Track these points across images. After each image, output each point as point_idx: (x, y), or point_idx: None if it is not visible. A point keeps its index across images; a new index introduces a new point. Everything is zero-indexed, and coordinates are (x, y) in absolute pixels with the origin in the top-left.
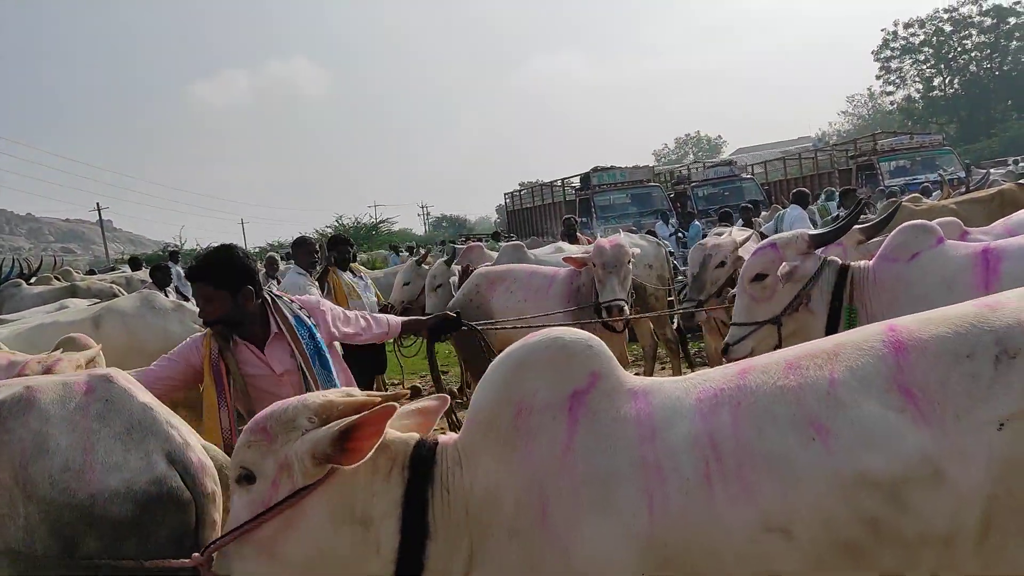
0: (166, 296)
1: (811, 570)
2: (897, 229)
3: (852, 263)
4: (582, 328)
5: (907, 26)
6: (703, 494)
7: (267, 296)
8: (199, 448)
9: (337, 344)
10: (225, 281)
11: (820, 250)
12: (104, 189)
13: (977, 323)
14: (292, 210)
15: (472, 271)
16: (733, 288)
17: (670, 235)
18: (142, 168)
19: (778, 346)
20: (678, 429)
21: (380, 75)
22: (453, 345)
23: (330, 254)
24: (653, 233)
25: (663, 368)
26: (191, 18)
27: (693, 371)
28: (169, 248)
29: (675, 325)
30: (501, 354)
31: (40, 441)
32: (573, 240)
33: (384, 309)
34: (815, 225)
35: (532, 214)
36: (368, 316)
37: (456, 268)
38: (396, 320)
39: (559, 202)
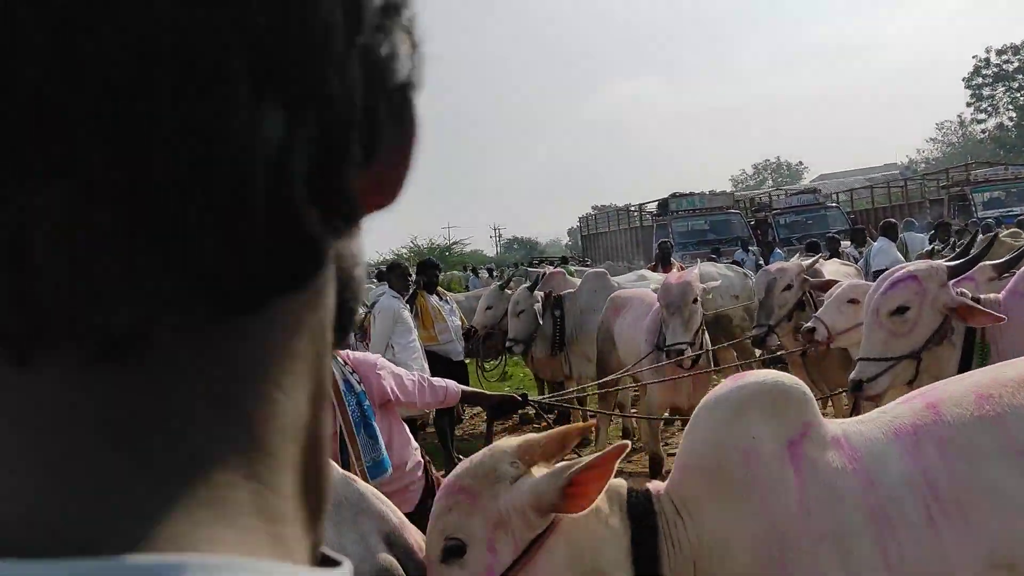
0: None
1: None
2: None
3: (983, 296)
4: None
5: (1000, 52)
6: (930, 537)
7: None
8: (412, 527)
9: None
10: None
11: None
12: None
13: None
14: (368, 231)
15: (554, 297)
16: (801, 312)
17: (753, 264)
18: None
19: (913, 381)
20: (892, 472)
21: (454, 95)
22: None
23: (419, 278)
24: (738, 263)
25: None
26: None
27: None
28: None
29: (760, 356)
30: (713, 395)
31: None
32: (667, 266)
33: (468, 332)
34: (906, 259)
35: (607, 238)
36: (426, 381)
37: (539, 294)
38: (456, 389)
39: (635, 227)
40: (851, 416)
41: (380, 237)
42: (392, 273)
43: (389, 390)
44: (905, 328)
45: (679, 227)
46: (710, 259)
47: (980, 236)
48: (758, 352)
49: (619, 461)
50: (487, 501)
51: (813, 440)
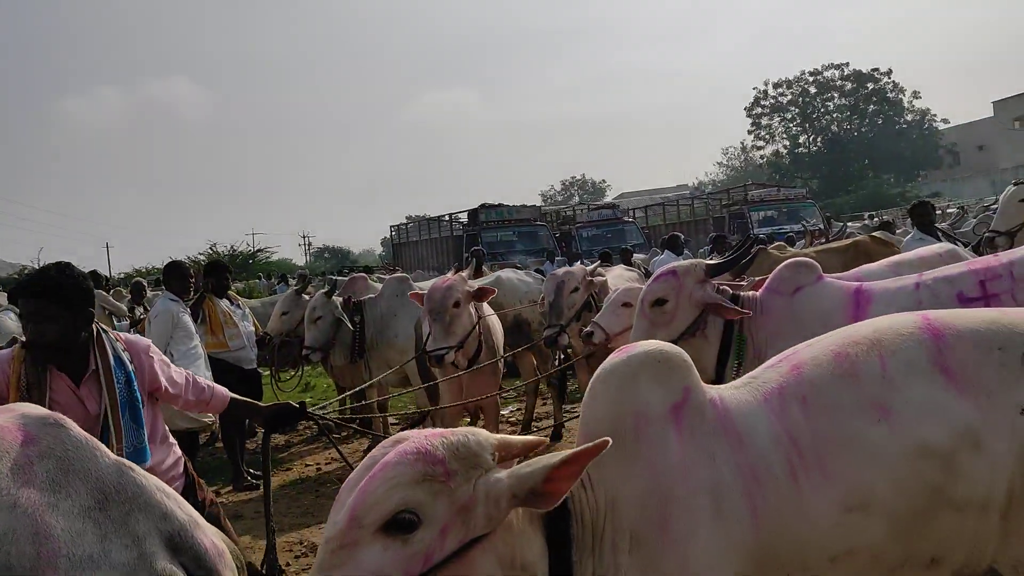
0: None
1: (886, 542)
2: (783, 264)
3: (741, 294)
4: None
5: (776, 86)
6: (792, 490)
7: (95, 328)
8: (209, 526)
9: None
10: (67, 301)
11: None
12: None
13: (1007, 325)
14: (162, 235)
15: (354, 302)
16: (588, 312)
17: None
18: None
19: None
20: (760, 432)
21: (262, 100)
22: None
23: (207, 280)
24: (541, 272)
25: (544, 403)
26: (63, 30)
27: (570, 407)
28: (27, 271)
29: (556, 360)
30: (605, 366)
31: None
32: (478, 273)
33: (261, 339)
34: None
35: (418, 248)
36: (192, 378)
37: (337, 300)
38: (223, 394)
39: (446, 237)
40: None
41: (173, 241)
42: (172, 274)
43: (160, 376)
44: (664, 319)
45: (488, 237)
46: (515, 268)
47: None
48: (551, 351)
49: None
50: (460, 484)
51: (692, 404)
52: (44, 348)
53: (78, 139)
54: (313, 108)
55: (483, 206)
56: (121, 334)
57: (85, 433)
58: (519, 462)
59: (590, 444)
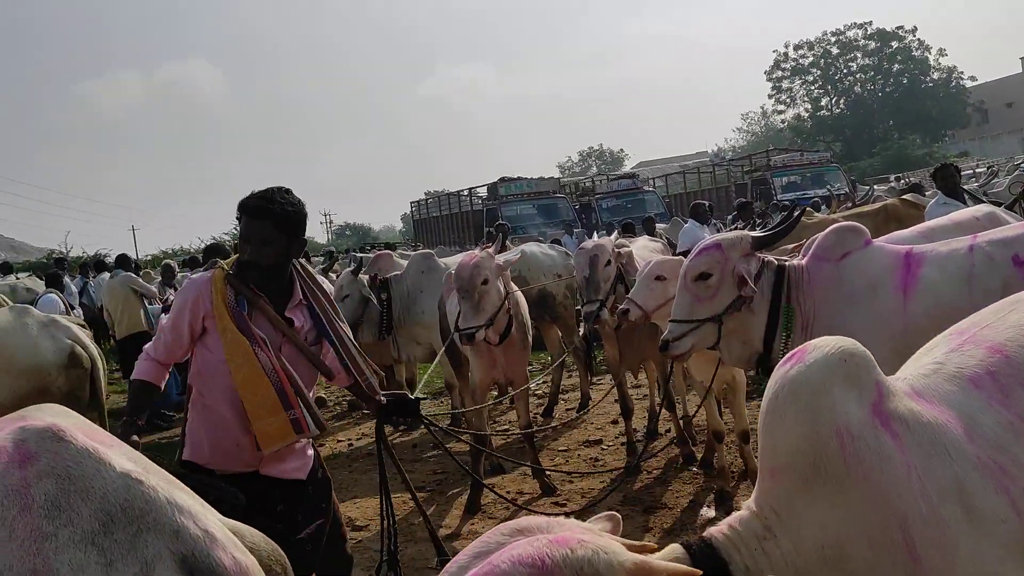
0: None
1: None
2: (828, 230)
3: (787, 263)
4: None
5: (797, 48)
6: None
7: (296, 263)
8: (229, 539)
9: None
10: (288, 226)
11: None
12: None
13: None
14: (186, 217)
15: (381, 280)
16: (620, 285)
17: (575, 246)
18: (24, 170)
19: (716, 345)
20: (986, 421)
21: (282, 79)
22: None
23: (207, 261)
24: (558, 241)
25: (570, 376)
26: (82, 14)
27: (592, 379)
28: (55, 255)
29: (582, 333)
30: (785, 383)
31: None
32: (503, 248)
33: None
34: None
35: (439, 223)
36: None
37: (364, 277)
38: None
39: (466, 212)
40: (660, 381)
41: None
42: (214, 256)
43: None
44: (708, 293)
45: (508, 211)
46: (536, 242)
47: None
48: (582, 328)
49: None
50: None
51: (892, 398)
52: (261, 270)
53: (101, 123)
54: (330, 87)
55: (502, 180)
56: (321, 278)
57: (90, 441)
58: None
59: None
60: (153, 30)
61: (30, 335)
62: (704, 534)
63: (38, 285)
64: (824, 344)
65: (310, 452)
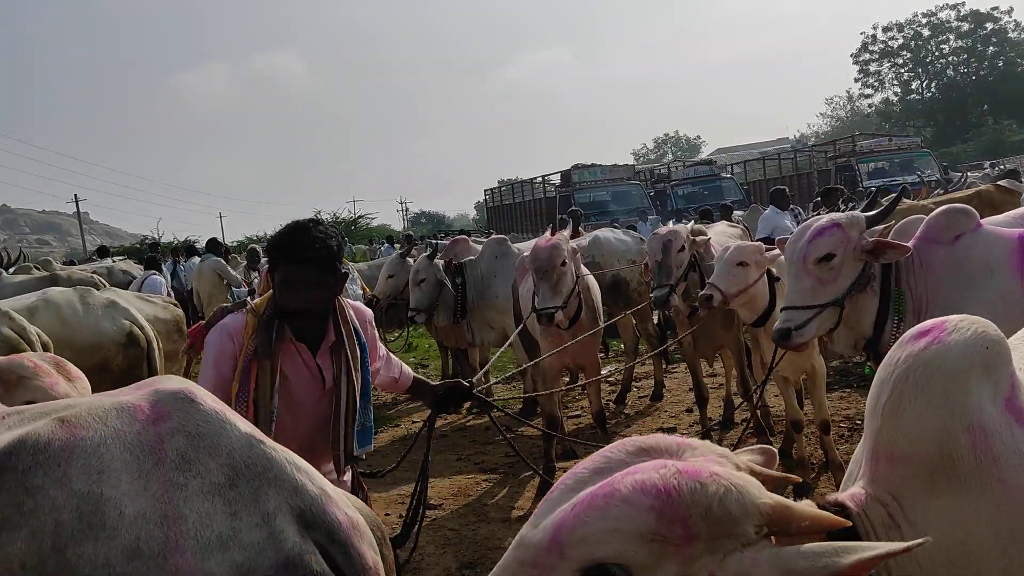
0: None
1: None
2: (938, 211)
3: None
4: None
5: (886, 30)
6: None
7: None
8: (342, 498)
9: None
10: (333, 262)
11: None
12: (81, 180)
13: None
14: (270, 204)
15: (456, 264)
16: (692, 272)
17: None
18: (120, 159)
19: (834, 329)
20: None
21: (363, 69)
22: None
23: None
24: (632, 228)
25: (643, 364)
26: (175, 7)
27: (669, 367)
28: (148, 241)
29: (656, 320)
30: (913, 365)
31: (89, 510)
32: (575, 233)
33: (369, 302)
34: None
35: (512, 211)
36: (389, 355)
37: (439, 262)
38: (409, 373)
39: (539, 199)
40: (736, 369)
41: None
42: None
43: (377, 349)
44: (831, 275)
45: (581, 198)
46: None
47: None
48: (656, 313)
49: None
50: (701, 552)
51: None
52: (314, 317)
53: (191, 113)
54: (408, 78)
55: (576, 167)
56: (348, 301)
57: (218, 404)
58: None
59: (900, 545)
60: (243, 21)
61: (92, 314)
62: (836, 499)
63: (133, 268)
64: (964, 326)
65: (347, 478)
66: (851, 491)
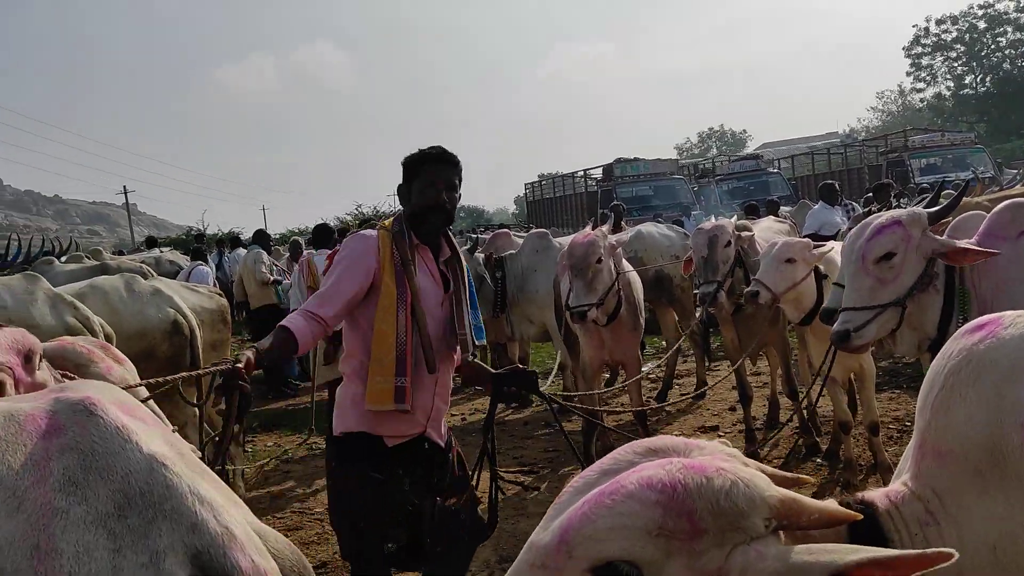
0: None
1: None
2: (1002, 206)
3: (958, 242)
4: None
5: (939, 22)
6: None
7: None
8: (251, 540)
9: None
10: (461, 176)
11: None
12: (130, 172)
13: None
14: (313, 196)
15: (496, 258)
16: (738, 268)
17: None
18: (168, 152)
19: (896, 330)
20: None
21: (404, 64)
22: None
23: (338, 243)
24: (680, 224)
25: (685, 361)
26: (222, 1)
27: (710, 365)
28: (194, 232)
29: (699, 317)
30: (967, 358)
31: None
32: (617, 228)
33: None
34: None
35: (552, 205)
36: None
37: (480, 256)
38: (467, 355)
39: (580, 193)
40: (781, 367)
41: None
42: (316, 235)
43: None
44: (892, 275)
45: (623, 192)
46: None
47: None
48: (698, 310)
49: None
50: (708, 546)
51: None
52: (445, 213)
53: (235, 106)
54: (450, 70)
55: (618, 161)
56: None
57: (121, 421)
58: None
59: (927, 553)
60: (289, 15)
61: (138, 302)
62: (863, 496)
63: (179, 259)
64: (1021, 321)
65: (445, 422)
66: (891, 487)
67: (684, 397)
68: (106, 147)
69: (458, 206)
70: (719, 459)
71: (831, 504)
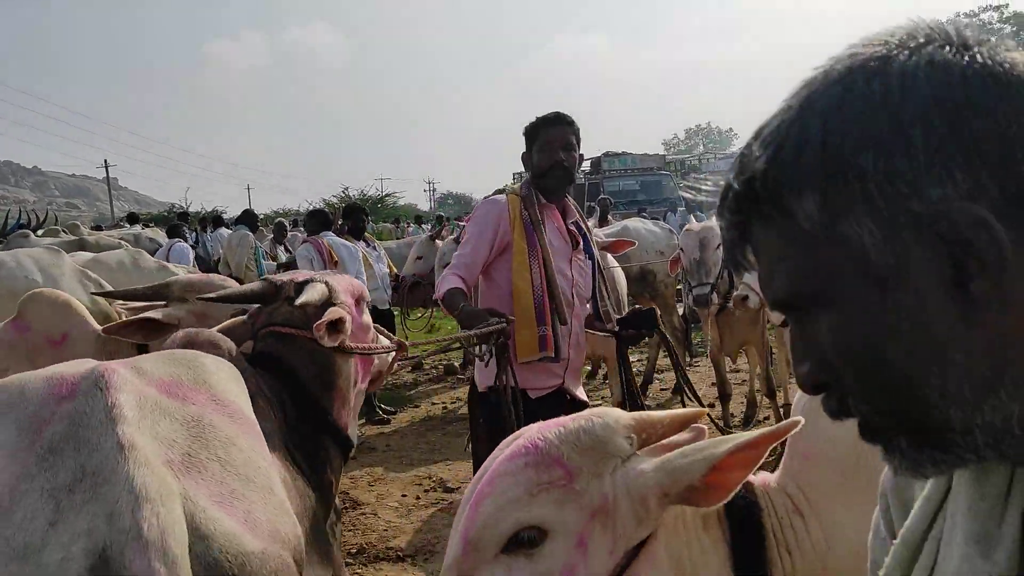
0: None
1: None
2: None
3: None
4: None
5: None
6: None
7: None
8: (163, 543)
9: None
10: (578, 137)
11: None
12: (112, 146)
13: None
14: (298, 178)
15: None
16: (726, 271)
17: (677, 225)
18: (152, 127)
19: None
20: None
21: (397, 47)
22: None
23: (345, 222)
24: (664, 220)
25: (665, 356)
26: None
27: (692, 361)
28: (176, 209)
29: (682, 313)
30: None
31: None
32: (603, 222)
33: (396, 280)
34: None
35: None
36: None
37: None
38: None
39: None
40: (760, 367)
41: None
42: (318, 218)
43: None
44: None
45: (610, 186)
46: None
47: None
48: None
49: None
50: (588, 482)
51: None
52: (565, 171)
53: (223, 84)
54: (443, 56)
55: (606, 154)
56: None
57: (117, 397)
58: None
59: (775, 427)
60: None
61: (144, 278)
62: (750, 479)
63: (160, 236)
64: None
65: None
66: (760, 476)
67: (663, 391)
68: (89, 119)
69: (446, 193)
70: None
71: (676, 411)
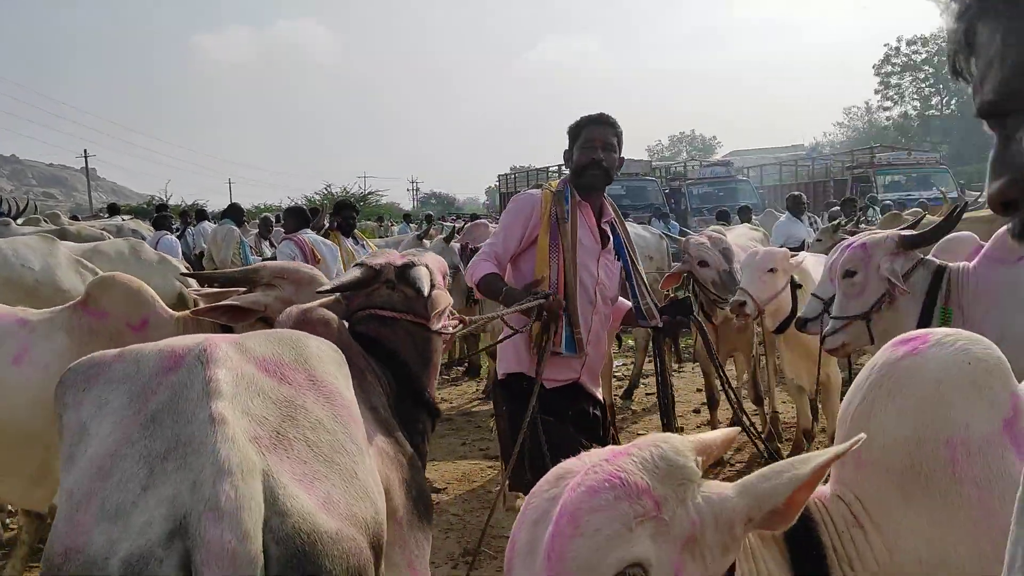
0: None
1: None
2: (1004, 229)
3: (951, 264)
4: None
5: (910, 43)
6: None
7: None
8: (241, 517)
9: None
10: (621, 140)
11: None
12: (92, 136)
13: None
14: (280, 175)
15: (472, 248)
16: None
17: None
18: (133, 118)
19: (872, 342)
20: None
21: (384, 45)
22: None
23: (334, 219)
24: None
25: (650, 360)
26: None
27: (681, 365)
28: (156, 201)
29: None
30: (890, 373)
31: (74, 440)
32: None
33: None
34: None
35: None
36: None
37: (456, 246)
38: (626, 303)
39: None
40: (747, 373)
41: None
42: (291, 217)
43: None
44: (855, 291)
45: None
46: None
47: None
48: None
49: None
50: (674, 511)
51: None
52: (603, 171)
53: (207, 77)
54: (431, 56)
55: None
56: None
57: (214, 372)
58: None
59: (843, 446)
60: None
61: (146, 270)
62: None
63: (142, 227)
64: (949, 340)
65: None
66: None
67: (650, 395)
68: (68, 107)
69: (430, 193)
70: (609, 449)
71: (724, 430)
